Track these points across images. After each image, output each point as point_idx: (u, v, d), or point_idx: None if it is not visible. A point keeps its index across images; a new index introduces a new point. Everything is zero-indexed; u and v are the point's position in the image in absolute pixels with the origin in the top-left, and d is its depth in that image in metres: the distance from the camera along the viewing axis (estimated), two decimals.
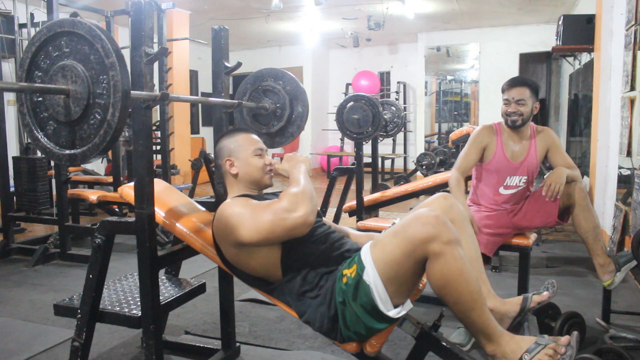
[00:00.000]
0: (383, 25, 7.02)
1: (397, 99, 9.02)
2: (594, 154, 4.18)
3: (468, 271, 1.31)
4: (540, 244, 3.92)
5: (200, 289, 2.07)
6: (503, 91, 2.39)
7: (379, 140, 4.32)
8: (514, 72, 7.73)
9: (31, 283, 3.16)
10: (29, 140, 3.09)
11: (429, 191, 3.50)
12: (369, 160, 4.14)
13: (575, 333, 1.39)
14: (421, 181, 3.62)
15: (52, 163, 4.00)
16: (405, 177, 5.64)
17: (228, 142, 1.71)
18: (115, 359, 2.13)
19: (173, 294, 1.94)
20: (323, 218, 1.77)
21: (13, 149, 4.58)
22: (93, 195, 3.88)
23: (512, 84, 2.36)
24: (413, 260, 1.31)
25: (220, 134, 1.79)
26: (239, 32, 8.03)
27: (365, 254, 1.38)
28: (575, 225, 2.31)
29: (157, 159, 4.63)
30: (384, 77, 9.62)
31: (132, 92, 1.36)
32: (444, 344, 1.48)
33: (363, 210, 3.36)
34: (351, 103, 3.27)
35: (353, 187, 3.48)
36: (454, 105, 9.34)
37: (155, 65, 2.02)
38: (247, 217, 1.44)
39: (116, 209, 4.28)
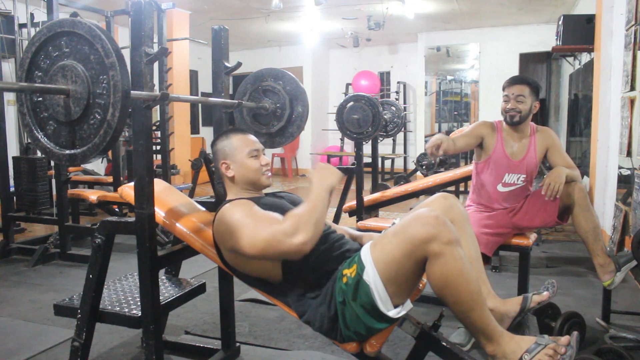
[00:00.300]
0: (383, 25, 7.02)
1: (397, 99, 9.02)
2: (594, 154, 4.18)
3: (468, 271, 1.31)
4: (540, 244, 3.92)
5: (200, 289, 2.07)
6: (503, 88, 2.41)
7: (379, 140, 4.33)
8: (514, 72, 7.72)
9: (31, 283, 3.16)
10: (29, 140, 3.08)
11: (429, 191, 3.50)
12: (369, 160, 4.14)
13: (575, 333, 1.39)
14: (421, 181, 3.62)
15: (52, 163, 4.00)
16: (405, 177, 5.64)
17: (223, 144, 1.70)
18: (115, 359, 2.13)
19: (173, 294, 1.94)
20: None
21: (13, 149, 4.58)
22: (93, 195, 3.88)
23: (513, 81, 2.39)
24: (413, 261, 1.31)
25: (216, 135, 1.78)
26: (239, 32, 8.03)
27: (365, 254, 1.38)
28: (575, 225, 2.31)
29: (157, 159, 4.63)
30: (384, 77, 9.62)
31: (132, 92, 1.36)
32: (444, 344, 1.48)
33: (363, 210, 3.36)
34: (351, 103, 3.27)
35: (353, 187, 3.48)
36: (454, 105, 9.33)
37: (155, 65, 2.02)
38: (247, 228, 1.43)
39: (116, 209, 4.28)
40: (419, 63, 8.69)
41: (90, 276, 1.73)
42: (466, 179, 3.29)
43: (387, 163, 8.80)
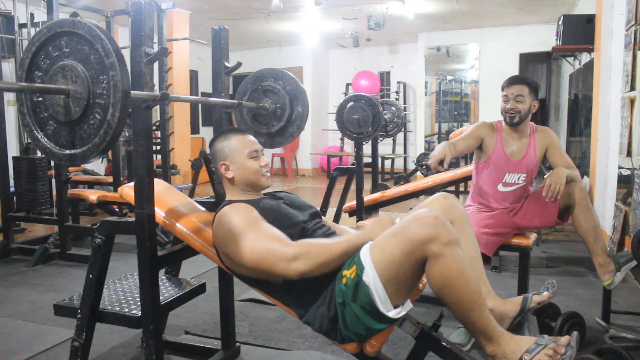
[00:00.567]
0: (383, 25, 7.02)
1: (397, 99, 9.02)
2: (594, 154, 4.18)
3: (468, 272, 1.31)
4: (540, 244, 3.92)
5: (200, 289, 2.07)
6: (503, 88, 2.42)
7: (379, 140, 4.33)
8: (514, 72, 7.72)
9: (31, 283, 3.16)
10: (29, 140, 3.08)
11: (429, 191, 3.50)
12: (369, 160, 4.14)
13: (575, 333, 1.39)
14: (421, 181, 3.62)
15: (52, 163, 4.00)
16: (405, 177, 5.64)
17: (222, 145, 1.69)
18: (115, 359, 2.13)
19: (173, 294, 1.94)
20: (323, 218, 1.77)
21: (13, 149, 4.58)
22: (93, 195, 3.88)
23: (512, 81, 2.39)
24: (412, 261, 1.31)
25: (214, 135, 1.78)
26: (239, 32, 8.03)
27: (365, 255, 1.37)
28: (575, 225, 2.31)
29: (157, 159, 4.63)
30: (384, 77, 9.62)
31: (132, 92, 1.36)
32: (444, 344, 1.48)
33: (363, 210, 3.36)
34: (351, 103, 3.27)
35: (353, 187, 3.48)
36: (454, 105, 9.33)
37: (155, 65, 2.02)
38: (245, 239, 1.44)
39: (116, 209, 4.27)
40: (419, 63, 8.69)
41: (90, 276, 1.73)
42: (466, 179, 3.29)
43: (387, 163, 8.80)
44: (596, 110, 4.18)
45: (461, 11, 6.99)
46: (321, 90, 9.78)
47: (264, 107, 2.18)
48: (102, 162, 6.35)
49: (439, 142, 8.61)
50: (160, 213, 1.78)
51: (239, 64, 1.96)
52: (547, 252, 3.75)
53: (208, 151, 1.78)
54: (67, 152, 1.40)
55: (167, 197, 1.90)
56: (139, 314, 1.70)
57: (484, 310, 1.35)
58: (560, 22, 4.96)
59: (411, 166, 7.59)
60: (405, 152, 9.21)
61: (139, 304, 1.77)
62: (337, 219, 3.83)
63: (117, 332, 2.32)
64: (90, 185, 4.92)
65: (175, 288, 2.01)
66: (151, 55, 1.50)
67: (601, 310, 2.40)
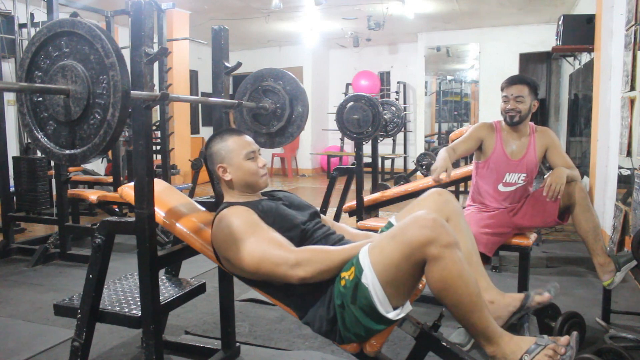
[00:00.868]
0: (383, 25, 7.02)
1: (397, 99, 9.02)
2: (594, 154, 4.18)
3: (467, 274, 1.31)
4: (540, 244, 3.92)
5: (200, 289, 2.07)
6: (502, 89, 2.42)
7: (379, 140, 4.32)
8: (514, 72, 7.72)
9: (31, 283, 3.16)
10: (29, 140, 3.08)
11: None
12: (369, 160, 4.14)
13: (574, 333, 1.39)
14: (421, 181, 3.61)
15: (52, 163, 4.00)
16: (405, 177, 5.63)
17: (219, 147, 1.68)
18: (115, 359, 2.13)
19: (173, 294, 1.94)
20: (323, 217, 1.76)
21: (13, 149, 4.58)
22: (93, 195, 3.88)
23: (511, 81, 2.39)
24: (411, 263, 1.31)
25: (210, 136, 1.76)
26: (239, 32, 8.03)
27: (364, 257, 1.37)
28: (575, 225, 2.31)
29: (157, 159, 4.63)
30: (384, 77, 9.62)
31: (132, 92, 1.36)
32: (444, 344, 1.48)
33: (363, 210, 3.36)
34: (351, 103, 3.27)
35: (353, 187, 3.48)
36: (454, 105, 9.33)
37: (155, 65, 2.02)
38: (244, 244, 1.44)
39: (116, 209, 4.27)
40: (419, 63, 8.69)
41: (90, 276, 1.73)
42: (466, 179, 3.29)
43: (387, 163, 8.80)
44: (596, 110, 4.18)
45: (461, 11, 6.99)
46: (321, 90, 9.78)
47: (264, 107, 2.18)
48: (102, 162, 6.35)
49: (439, 143, 8.64)
50: (160, 213, 1.78)
51: (239, 64, 1.95)
52: (547, 252, 3.75)
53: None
54: (67, 152, 1.40)
55: (167, 197, 1.90)
56: (139, 314, 1.70)
57: (484, 311, 1.35)
58: (560, 22, 4.96)
59: (411, 166, 7.58)
60: (405, 152, 9.21)
61: (139, 304, 1.77)
62: (337, 219, 3.83)
63: (117, 332, 2.32)
64: (90, 185, 4.92)
65: (175, 288, 2.01)
66: (151, 55, 1.50)
67: (601, 310, 2.40)
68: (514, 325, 1.73)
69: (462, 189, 5.52)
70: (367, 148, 3.90)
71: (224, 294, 2.06)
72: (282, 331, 2.36)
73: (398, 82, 9.36)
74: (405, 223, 1.33)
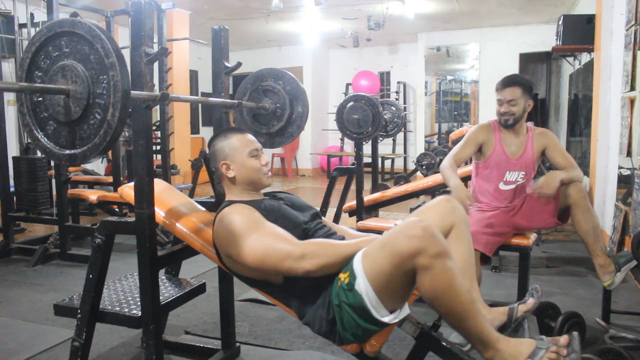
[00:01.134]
0: (383, 25, 7.02)
1: (397, 99, 9.02)
2: (594, 154, 4.18)
3: (458, 283, 1.29)
4: (540, 244, 3.92)
5: (200, 289, 2.07)
6: (496, 91, 2.43)
7: (379, 140, 4.32)
8: (514, 72, 7.69)
9: (31, 283, 3.16)
10: (29, 140, 3.09)
11: (429, 191, 3.50)
12: (369, 160, 4.14)
13: (575, 334, 1.38)
14: (421, 181, 3.62)
15: (52, 163, 4.00)
16: (405, 177, 5.64)
17: (222, 144, 1.68)
18: (115, 359, 2.13)
19: (173, 294, 1.94)
20: (323, 218, 1.76)
21: (13, 149, 4.58)
22: (93, 195, 3.88)
23: (504, 84, 2.40)
24: (402, 272, 1.29)
25: (213, 135, 1.77)
26: (239, 32, 8.03)
27: (357, 263, 1.36)
28: (575, 226, 2.31)
29: (157, 159, 4.63)
30: (384, 77, 9.62)
31: (132, 92, 1.36)
32: (444, 344, 1.48)
33: (363, 210, 3.36)
34: (351, 103, 3.27)
35: (353, 187, 3.48)
36: (454, 105, 9.34)
37: (155, 65, 2.02)
38: (247, 239, 1.44)
39: (116, 209, 4.27)
40: (419, 63, 8.69)
41: (90, 276, 1.73)
42: (466, 179, 3.29)
43: (387, 163, 8.80)
44: (596, 110, 4.18)
45: (461, 11, 6.99)
46: (321, 90, 9.78)
47: (264, 107, 2.18)
48: (102, 162, 6.35)
49: (439, 142, 8.64)
50: (160, 213, 1.78)
51: (239, 64, 1.96)
52: (547, 252, 3.75)
53: (208, 151, 1.77)
54: (67, 152, 1.40)
55: (167, 197, 1.90)
56: (139, 314, 1.70)
57: (478, 317, 1.33)
58: (560, 22, 4.96)
59: (411, 166, 7.58)
60: (405, 152, 9.21)
61: (139, 304, 1.77)
62: (337, 219, 3.83)
63: (117, 332, 2.32)
64: (90, 185, 4.92)
65: (175, 288, 2.01)
66: (151, 55, 1.50)
67: (601, 310, 2.40)
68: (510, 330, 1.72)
69: None
70: (367, 148, 3.90)
71: (224, 294, 2.06)
72: (282, 331, 2.36)
73: (398, 82, 9.36)
74: (395, 231, 1.31)
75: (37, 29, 2.97)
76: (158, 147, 4.46)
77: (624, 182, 3.30)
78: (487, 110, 8.07)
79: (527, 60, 8.17)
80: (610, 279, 2.22)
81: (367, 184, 3.84)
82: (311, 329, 1.48)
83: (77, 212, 4.36)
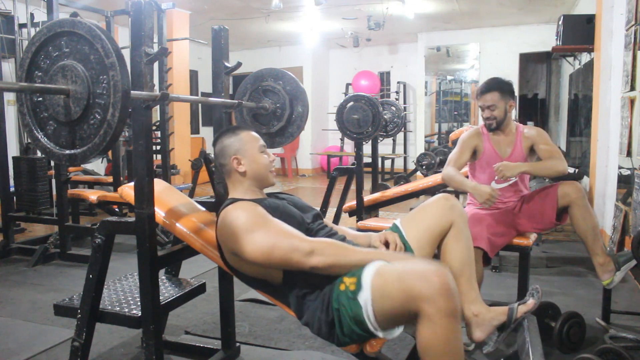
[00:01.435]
0: (383, 25, 7.02)
1: (397, 99, 9.02)
2: (594, 154, 4.18)
3: (455, 347, 1.25)
4: (540, 244, 3.92)
5: (200, 289, 2.07)
6: (476, 98, 2.49)
7: (379, 140, 4.33)
8: (514, 72, 7.73)
9: (31, 283, 3.16)
10: (29, 140, 3.09)
11: (429, 191, 3.50)
12: (369, 160, 4.14)
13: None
14: (421, 181, 3.62)
15: (52, 163, 4.00)
16: (405, 177, 5.64)
17: (232, 140, 1.68)
18: (115, 359, 2.13)
19: (173, 294, 1.94)
20: (324, 220, 1.76)
21: (13, 149, 4.58)
22: (93, 195, 3.88)
23: (482, 91, 2.45)
24: (406, 310, 1.27)
25: (219, 132, 1.77)
26: (239, 32, 8.03)
27: (367, 277, 1.34)
28: (574, 225, 2.31)
29: (157, 159, 4.63)
30: (384, 77, 9.62)
31: (132, 92, 1.36)
32: None
33: (363, 210, 3.36)
34: (351, 103, 3.27)
35: (353, 187, 3.48)
36: (454, 105, 9.34)
37: (155, 65, 2.02)
38: (256, 233, 1.43)
39: (116, 209, 4.28)
40: (419, 63, 8.69)
41: (90, 276, 1.73)
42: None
43: (387, 163, 8.80)
44: (596, 110, 4.18)
45: (461, 11, 6.99)
46: (321, 90, 9.78)
47: (264, 107, 2.18)
48: (102, 162, 6.36)
49: (439, 142, 8.64)
50: (160, 213, 1.78)
51: (239, 64, 1.96)
52: (547, 252, 3.75)
53: (208, 151, 1.78)
54: (67, 152, 1.40)
55: (167, 197, 1.90)
56: (139, 314, 1.70)
57: None
58: (560, 22, 4.96)
59: (411, 166, 7.58)
60: (405, 152, 9.21)
61: (139, 304, 1.77)
62: (337, 219, 3.84)
63: (117, 332, 2.32)
64: (90, 185, 4.92)
65: (175, 288, 2.01)
66: (151, 55, 1.50)
67: (601, 310, 2.40)
68: (511, 331, 1.72)
69: None
70: (367, 148, 3.90)
71: (224, 294, 2.06)
72: (282, 331, 2.36)
73: (398, 82, 9.36)
74: (417, 269, 1.28)
75: (37, 29, 2.97)
76: (158, 147, 4.46)
77: (624, 182, 3.30)
78: None
79: (527, 60, 8.17)
80: (610, 278, 2.22)
81: (367, 184, 3.84)
82: (310, 330, 1.48)
83: (77, 212, 4.36)
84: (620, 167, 3.42)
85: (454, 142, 5.22)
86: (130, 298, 1.89)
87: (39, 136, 1.45)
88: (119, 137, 1.74)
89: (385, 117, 4.37)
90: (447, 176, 2.42)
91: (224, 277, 2.03)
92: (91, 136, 1.35)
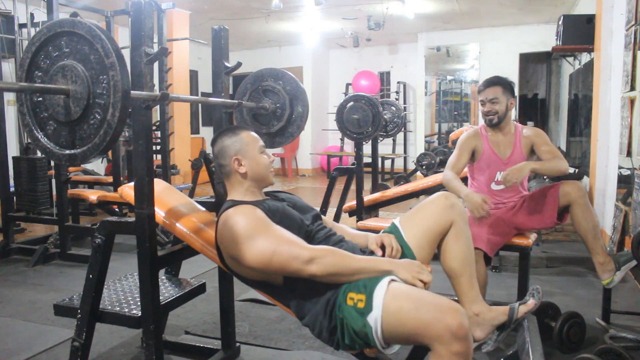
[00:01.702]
0: (383, 25, 7.02)
1: (397, 99, 9.01)
2: (594, 154, 4.18)
3: None
4: (540, 244, 3.92)
5: (200, 289, 2.07)
6: (479, 92, 2.50)
7: (379, 140, 4.33)
8: (514, 72, 7.73)
9: (31, 283, 3.16)
10: (29, 140, 3.09)
11: (429, 191, 3.50)
12: (369, 160, 4.14)
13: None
14: (421, 181, 3.62)
15: (52, 163, 4.00)
16: (405, 177, 5.65)
17: (232, 140, 1.66)
18: (115, 359, 2.13)
19: (173, 294, 1.94)
20: (323, 218, 1.76)
21: (13, 149, 4.58)
22: (93, 195, 3.88)
23: (485, 85, 2.46)
24: (418, 340, 1.28)
25: (218, 131, 1.76)
26: (239, 32, 8.03)
27: (379, 296, 1.32)
28: (574, 225, 2.31)
29: (157, 159, 4.63)
30: (384, 77, 9.62)
31: (132, 92, 1.36)
32: None
33: (363, 210, 3.36)
34: (351, 103, 3.27)
35: (353, 187, 3.48)
36: (454, 105, 9.34)
37: (155, 65, 2.02)
38: (256, 239, 1.42)
39: (116, 209, 4.28)
40: (419, 63, 8.69)
41: (90, 276, 1.73)
42: (465, 179, 3.29)
43: (387, 163, 8.80)
44: (596, 110, 4.18)
45: (461, 11, 6.99)
46: (321, 90, 9.78)
47: (264, 107, 2.18)
48: (102, 162, 6.36)
49: (439, 142, 8.64)
50: (160, 213, 1.78)
51: (239, 64, 1.95)
52: (547, 252, 3.75)
53: (208, 151, 1.77)
54: (67, 152, 1.40)
55: (167, 197, 1.90)
56: (139, 314, 1.70)
57: None
58: (560, 22, 4.96)
59: (411, 166, 7.58)
60: (405, 152, 9.21)
61: (139, 304, 1.77)
62: (337, 219, 3.84)
63: (117, 332, 2.32)
64: (90, 185, 4.92)
65: (175, 288, 2.01)
66: (151, 55, 1.50)
67: (601, 310, 2.40)
68: (511, 330, 1.72)
69: None
70: (367, 148, 3.90)
71: (224, 294, 2.06)
72: (282, 331, 2.36)
73: (398, 82, 9.36)
74: (435, 303, 1.26)
75: (37, 29, 2.97)
76: (158, 147, 4.46)
77: (624, 182, 3.30)
78: None
79: (527, 60, 8.17)
80: (610, 278, 2.22)
81: (367, 184, 3.84)
82: (311, 332, 1.48)
83: (77, 212, 4.36)
84: (620, 167, 3.42)
85: (454, 142, 5.22)
86: (130, 298, 1.89)
87: (39, 136, 1.45)
88: (119, 137, 1.73)
89: (385, 117, 4.37)
90: (445, 180, 2.43)
91: (224, 277, 2.03)
92: (91, 136, 1.35)
